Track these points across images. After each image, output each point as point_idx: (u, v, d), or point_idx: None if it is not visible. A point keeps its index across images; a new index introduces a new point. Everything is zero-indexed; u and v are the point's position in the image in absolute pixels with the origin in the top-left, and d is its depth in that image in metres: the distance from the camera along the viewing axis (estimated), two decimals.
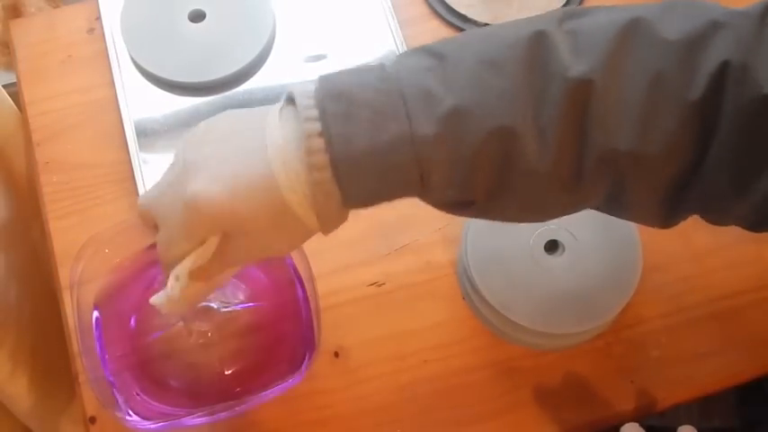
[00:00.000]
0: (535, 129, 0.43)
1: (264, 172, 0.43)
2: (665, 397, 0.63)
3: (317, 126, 0.43)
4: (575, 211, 0.49)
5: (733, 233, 0.69)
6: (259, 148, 0.44)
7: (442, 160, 0.43)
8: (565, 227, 0.63)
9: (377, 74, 0.44)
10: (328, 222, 0.46)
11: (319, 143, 0.42)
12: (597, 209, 0.49)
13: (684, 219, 0.48)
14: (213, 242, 0.45)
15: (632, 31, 0.43)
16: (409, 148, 0.43)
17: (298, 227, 0.45)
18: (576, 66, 0.43)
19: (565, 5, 0.77)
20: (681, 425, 0.55)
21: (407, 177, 0.44)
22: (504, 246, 0.63)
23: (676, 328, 0.65)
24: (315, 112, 0.43)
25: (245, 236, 0.45)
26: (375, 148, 0.42)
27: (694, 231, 0.69)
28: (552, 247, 0.63)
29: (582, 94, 0.43)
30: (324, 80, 0.44)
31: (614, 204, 0.47)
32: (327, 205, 0.44)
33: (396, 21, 0.76)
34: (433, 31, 0.77)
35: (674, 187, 0.45)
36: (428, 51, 0.45)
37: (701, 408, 0.69)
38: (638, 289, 0.62)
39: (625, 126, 0.43)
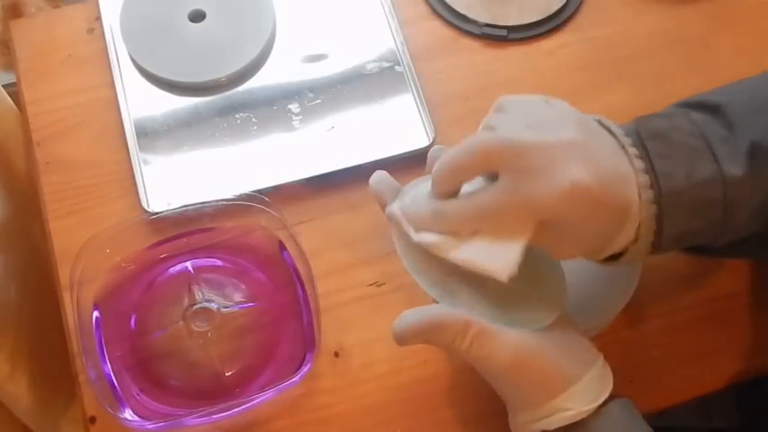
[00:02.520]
0: None
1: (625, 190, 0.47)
2: (665, 397, 0.63)
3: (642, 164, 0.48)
4: None
5: None
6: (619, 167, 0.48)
7: (748, 197, 0.48)
8: None
9: (685, 118, 0.50)
10: (635, 256, 0.50)
11: (645, 180, 0.47)
12: None
13: None
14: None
15: None
16: (720, 187, 0.47)
17: (613, 243, 0.48)
18: None
19: (564, 6, 0.77)
20: (681, 425, 0.56)
21: (713, 216, 0.48)
22: None
23: (676, 328, 0.65)
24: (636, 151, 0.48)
25: (570, 228, 0.47)
26: (691, 186, 0.47)
27: None
28: None
29: None
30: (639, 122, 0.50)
31: None
32: (646, 237, 0.48)
33: (396, 21, 0.76)
34: (433, 31, 0.77)
35: None
36: (697, 104, 0.51)
37: (700, 408, 0.69)
38: (638, 289, 0.62)
39: None
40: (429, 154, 0.53)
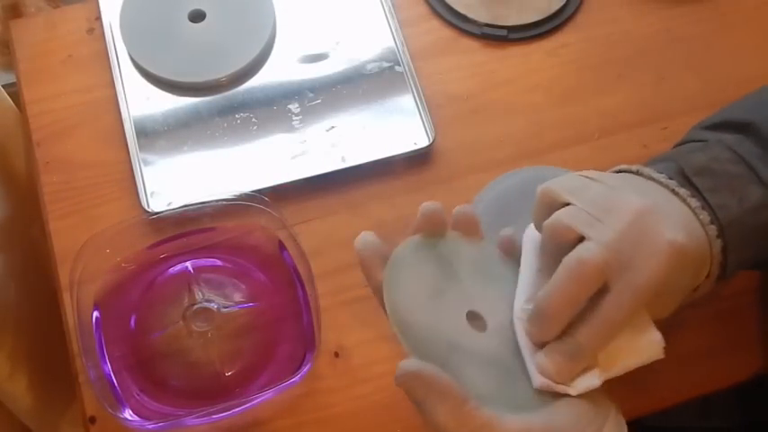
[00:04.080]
0: None
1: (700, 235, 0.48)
2: (665, 397, 0.63)
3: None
4: None
5: None
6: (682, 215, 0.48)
7: None
8: None
9: (721, 146, 0.50)
10: (705, 290, 0.50)
11: (705, 216, 0.48)
12: None
13: None
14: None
15: None
16: None
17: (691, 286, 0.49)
18: None
19: (564, 6, 0.77)
20: (681, 425, 0.55)
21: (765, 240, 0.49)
22: None
23: (676, 328, 0.65)
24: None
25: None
26: (745, 212, 0.48)
27: None
28: None
29: None
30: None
31: None
32: (715, 271, 0.49)
33: (396, 20, 0.76)
34: (433, 31, 0.77)
35: None
36: (724, 125, 0.52)
37: (700, 408, 0.69)
38: None
39: None
40: (422, 209, 0.49)
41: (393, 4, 0.77)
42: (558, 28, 0.78)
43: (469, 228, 0.50)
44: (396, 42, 0.75)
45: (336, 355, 0.64)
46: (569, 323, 0.46)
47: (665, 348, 0.48)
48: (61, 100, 0.73)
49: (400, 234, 0.68)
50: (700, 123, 0.56)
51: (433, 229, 0.49)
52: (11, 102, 0.81)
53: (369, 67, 0.75)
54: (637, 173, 0.50)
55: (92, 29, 0.76)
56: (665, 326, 0.65)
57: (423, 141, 0.71)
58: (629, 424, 0.55)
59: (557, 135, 0.73)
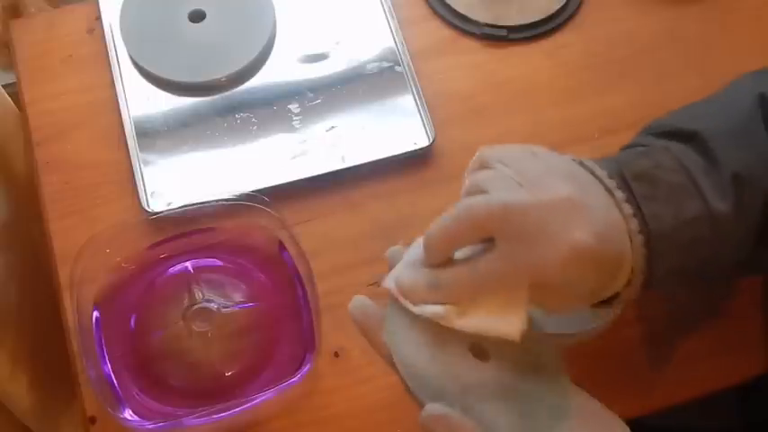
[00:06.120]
0: None
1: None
2: (665, 397, 0.63)
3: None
4: None
5: None
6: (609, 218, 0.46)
7: (733, 230, 0.47)
8: None
9: (667, 154, 0.49)
10: (627, 299, 0.49)
11: (635, 224, 0.47)
12: None
13: None
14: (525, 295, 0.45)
15: None
16: (708, 223, 0.47)
17: (607, 291, 0.48)
18: None
19: (564, 6, 0.77)
20: (681, 425, 0.55)
21: (702, 252, 0.48)
22: None
23: (677, 327, 0.65)
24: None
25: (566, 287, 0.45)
26: (679, 225, 0.47)
27: None
28: None
29: None
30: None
31: None
32: (637, 280, 0.48)
33: (396, 21, 0.76)
34: (433, 32, 0.77)
35: None
36: (673, 133, 0.51)
37: (701, 408, 0.69)
38: None
39: None
40: (389, 254, 0.50)
41: (393, 4, 0.77)
42: (558, 28, 0.78)
43: None
44: (396, 42, 0.75)
45: (336, 355, 0.64)
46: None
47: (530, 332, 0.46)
48: (61, 100, 0.73)
49: (400, 234, 0.68)
50: (648, 128, 0.54)
51: None
52: (11, 102, 0.81)
53: (369, 67, 0.75)
54: (580, 164, 0.49)
55: (92, 29, 0.76)
56: (663, 328, 0.65)
57: (423, 141, 0.71)
58: (629, 424, 0.55)
59: (557, 135, 0.73)
